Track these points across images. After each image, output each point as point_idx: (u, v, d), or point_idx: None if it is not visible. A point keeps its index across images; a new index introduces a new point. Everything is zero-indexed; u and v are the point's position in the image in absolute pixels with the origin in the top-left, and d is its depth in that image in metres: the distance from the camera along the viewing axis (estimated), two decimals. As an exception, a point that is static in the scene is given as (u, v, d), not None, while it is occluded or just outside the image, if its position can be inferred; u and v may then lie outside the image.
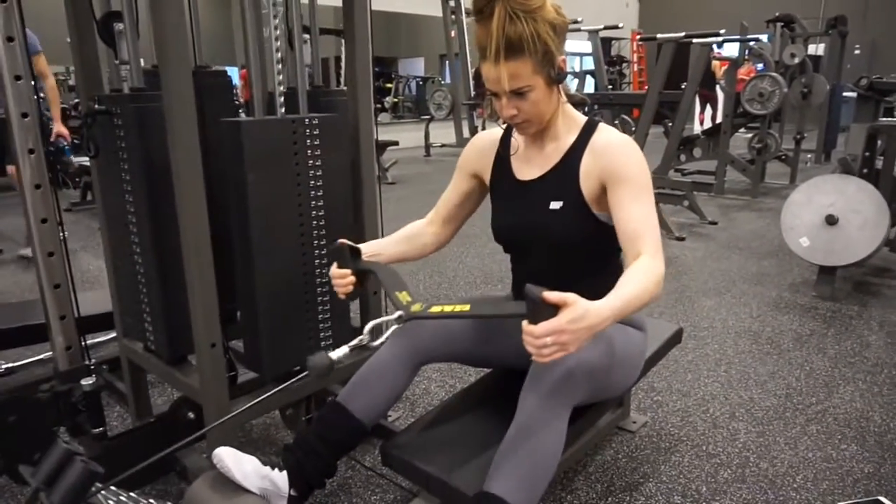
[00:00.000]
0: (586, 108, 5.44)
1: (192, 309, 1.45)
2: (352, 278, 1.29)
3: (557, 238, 1.31)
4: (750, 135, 6.11)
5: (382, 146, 6.88)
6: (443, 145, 9.34)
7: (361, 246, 1.35)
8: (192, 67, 1.76)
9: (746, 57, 5.92)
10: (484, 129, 8.99)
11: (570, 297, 0.94)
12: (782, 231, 3.13)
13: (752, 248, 4.08)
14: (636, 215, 1.18)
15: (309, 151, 1.57)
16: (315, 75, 1.91)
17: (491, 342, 1.48)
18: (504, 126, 1.40)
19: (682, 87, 4.49)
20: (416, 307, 1.12)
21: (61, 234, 1.45)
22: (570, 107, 1.32)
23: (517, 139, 1.39)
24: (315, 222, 1.61)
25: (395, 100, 12.48)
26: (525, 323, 0.95)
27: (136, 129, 1.43)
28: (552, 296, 0.93)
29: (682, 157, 6.13)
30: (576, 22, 4.50)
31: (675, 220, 4.71)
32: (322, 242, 1.64)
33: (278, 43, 1.50)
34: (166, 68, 1.29)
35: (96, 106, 1.49)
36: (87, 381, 1.44)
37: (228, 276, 1.57)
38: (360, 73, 1.69)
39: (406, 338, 1.43)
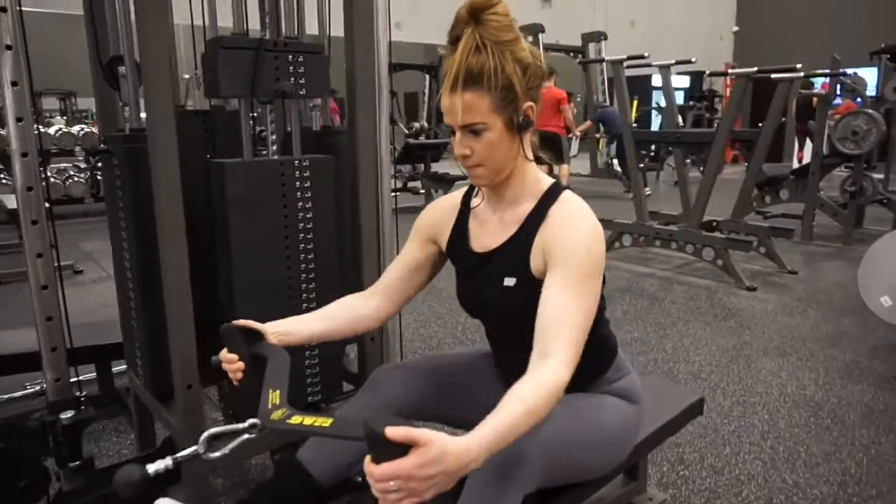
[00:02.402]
0: (653, 148, 5.29)
1: (171, 348, 1.45)
2: (240, 364, 1.12)
3: (513, 316, 1.19)
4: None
5: (451, 180, 6.90)
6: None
7: (268, 325, 1.20)
8: (203, 107, 1.82)
9: (839, 93, 5.46)
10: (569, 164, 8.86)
11: (423, 436, 0.78)
12: (859, 287, 2.79)
13: (832, 302, 3.68)
14: (556, 306, 1.03)
15: (299, 194, 1.55)
16: (324, 115, 1.91)
17: (465, 406, 1.37)
18: (465, 189, 1.32)
19: (760, 125, 4.19)
20: (276, 414, 0.97)
21: (56, 266, 1.49)
22: (535, 167, 1.20)
23: (478, 200, 1.28)
24: (304, 265, 1.59)
25: None
26: (367, 459, 0.80)
27: (127, 168, 1.46)
28: (397, 434, 0.77)
29: (767, 199, 5.72)
30: (642, 57, 4.33)
31: (749, 268, 4.36)
32: (311, 286, 1.61)
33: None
34: (151, 110, 1.31)
35: (100, 146, 1.55)
36: (65, 415, 1.46)
37: (218, 316, 1.57)
38: (360, 112, 1.67)
39: (376, 392, 1.36)
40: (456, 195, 1.34)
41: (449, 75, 1.07)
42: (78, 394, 1.58)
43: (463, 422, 1.45)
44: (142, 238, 1.50)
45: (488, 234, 1.24)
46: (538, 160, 1.23)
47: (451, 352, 1.50)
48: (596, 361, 1.30)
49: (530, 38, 8.65)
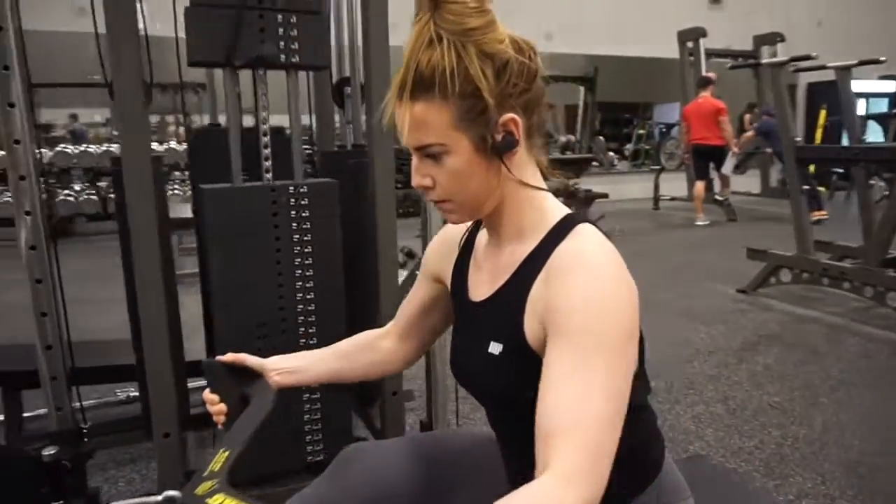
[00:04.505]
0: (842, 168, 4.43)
1: (150, 392, 1.32)
2: (221, 406, 0.95)
3: (502, 398, 0.87)
4: None
5: (588, 199, 6.41)
6: (673, 198, 8.44)
7: (273, 360, 1.01)
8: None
9: None
10: (726, 182, 7.90)
11: None
12: None
13: None
14: (563, 397, 0.69)
15: (295, 225, 1.34)
16: (356, 132, 1.69)
17: None
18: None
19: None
20: (203, 487, 0.77)
21: (61, 295, 1.44)
22: (543, 195, 0.86)
23: (482, 237, 0.96)
24: (302, 306, 1.38)
25: (636, 147, 12.11)
26: None
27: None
28: None
29: None
30: (809, 58, 3.58)
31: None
32: (311, 330, 1.39)
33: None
34: (122, 121, 1.20)
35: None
36: (47, 452, 1.38)
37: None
38: (377, 131, 1.42)
39: (340, 477, 1.08)
40: (461, 228, 1.04)
41: (396, 78, 0.79)
42: (82, 426, 1.51)
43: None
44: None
45: (483, 281, 0.93)
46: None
47: (453, 431, 1.18)
48: (620, 483, 0.91)
49: (690, 44, 7.86)
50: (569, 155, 8.85)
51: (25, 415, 1.84)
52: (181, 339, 1.70)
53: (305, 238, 1.35)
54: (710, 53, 7.90)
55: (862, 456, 2.08)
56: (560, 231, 0.81)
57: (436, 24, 0.76)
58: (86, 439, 1.51)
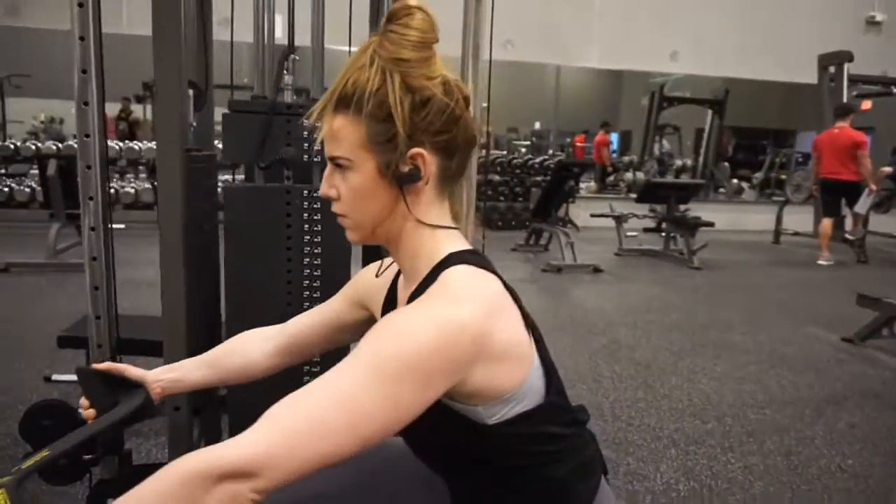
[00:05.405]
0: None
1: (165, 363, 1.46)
2: (91, 412, 0.97)
3: (406, 435, 0.86)
4: None
5: (693, 226, 6.06)
6: (796, 233, 7.75)
7: (160, 370, 1.05)
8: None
9: None
10: (858, 222, 7.14)
11: None
12: None
13: None
14: (301, 390, 0.69)
15: (306, 226, 1.43)
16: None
17: None
18: None
19: None
20: (3, 479, 0.75)
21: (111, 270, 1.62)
22: (439, 234, 0.86)
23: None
24: (308, 304, 1.46)
25: (766, 176, 11.29)
26: None
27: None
28: None
29: None
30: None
31: None
32: (315, 327, 1.47)
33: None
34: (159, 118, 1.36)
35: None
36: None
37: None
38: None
39: None
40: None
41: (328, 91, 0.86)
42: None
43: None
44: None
45: None
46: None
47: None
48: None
49: (832, 69, 7.20)
50: (683, 179, 8.42)
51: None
52: (218, 322, 1.86)
53: (316, 239, 1.44)
54: (856, 80, 7.18)
55: (936, 541, 1.82)
56: (436, 272, 0.81)
57: (375, 49, 0.80)
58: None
